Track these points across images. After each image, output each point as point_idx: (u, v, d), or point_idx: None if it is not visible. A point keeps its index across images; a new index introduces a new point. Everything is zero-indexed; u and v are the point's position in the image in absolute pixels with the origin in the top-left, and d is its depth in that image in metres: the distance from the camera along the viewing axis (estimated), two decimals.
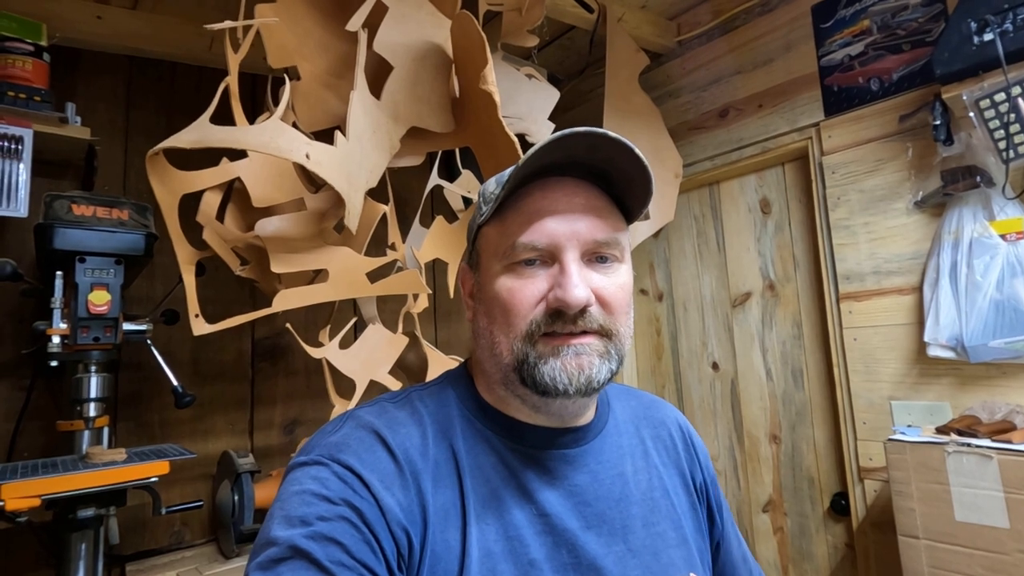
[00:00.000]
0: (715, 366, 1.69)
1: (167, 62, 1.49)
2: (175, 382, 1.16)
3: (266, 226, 1.03)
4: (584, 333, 0.49)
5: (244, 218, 1.13)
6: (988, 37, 1.02)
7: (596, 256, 0.50)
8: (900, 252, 1.26)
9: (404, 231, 1.32)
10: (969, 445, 0.95)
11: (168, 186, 0.96)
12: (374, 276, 1.09)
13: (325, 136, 0.96)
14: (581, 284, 0.48)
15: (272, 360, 1.59)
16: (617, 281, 0.51)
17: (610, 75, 1.56)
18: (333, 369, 1.14)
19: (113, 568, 1.28)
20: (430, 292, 1.22)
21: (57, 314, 1.02)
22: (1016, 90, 1.02)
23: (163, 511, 1.08)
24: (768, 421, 1.56)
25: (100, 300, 1.02)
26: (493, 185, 0.53)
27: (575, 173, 0.51)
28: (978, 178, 1.12)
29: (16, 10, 1.18)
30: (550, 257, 0.49)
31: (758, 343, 1.59)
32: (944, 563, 0.95)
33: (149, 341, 1.18)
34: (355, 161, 0.95)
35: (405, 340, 1.21)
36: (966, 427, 1.02)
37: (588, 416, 0.56)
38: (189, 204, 1.03)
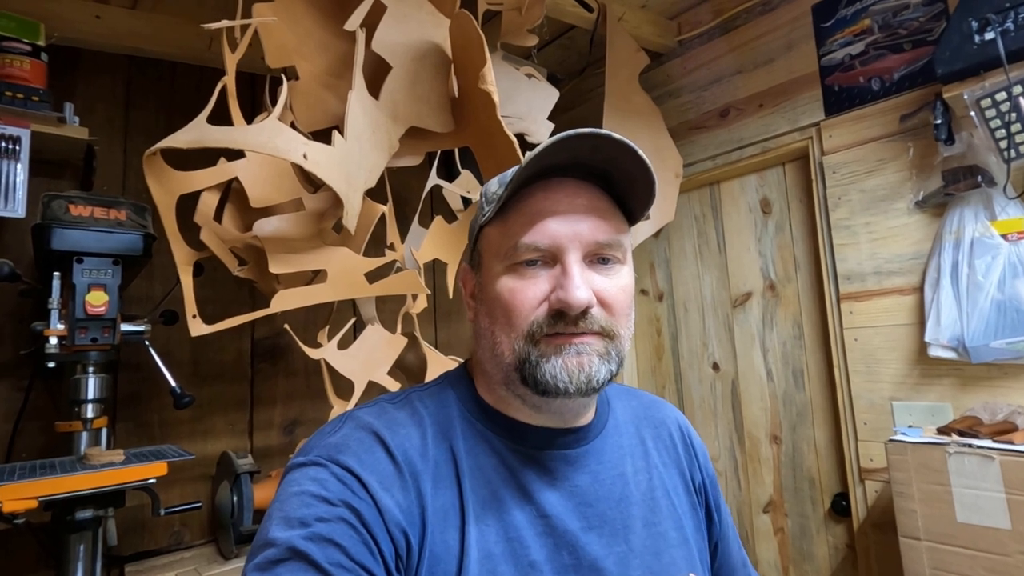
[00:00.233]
0: (715, 366, 1.69)
1: (166, 62, 1.49)
2: (173, 383, 1.16)
3: (264, 226, 1.03)
4: (585, 334, 0.49)
5: (242, 218, 1.13)
6: (989, 36, 1.02)
7: (598, 257, 0.50)
8: (901, 252, 1.26)
9: (403, 231, 1.32)
10: (970, 446, 0.95)
11: (165, 186, 0.96)
12: (373, 276, 1.09)
13: (324, 136, 0.95)
14: (583, 285, 0.48)
15: (272, 360, 1.58)
16: (619, 283, 0.51)
17: (610, 75, 1.55)
18: (332, 370, 1.13)
19: (112, 569, 1.28)
20: (429, 292, 1.21)
21: (55, 315, 1.02)
22: (1017, 89, 1.01)
23: (162, 512, 1.07)
24: (769, 422, 1.56)
25: (98, 301, 1.02)
26: (495, 185, 0.52)
27: (577, 174, 0.51)
28: (979, 178, 1.11)
29: (15, 9, 1.17)
30: (552, 258, 0.49)
31: (759, 343, 1.59)
32: (945, 564, 0.95)
33: (147, 342, 1.17)
34: (354, 161, 0.94)
35: (404, 341, 1.20)
36: (967, 428, 1.01)
37: (588, 416, 0.56)
38: (187, 204, 1.03)
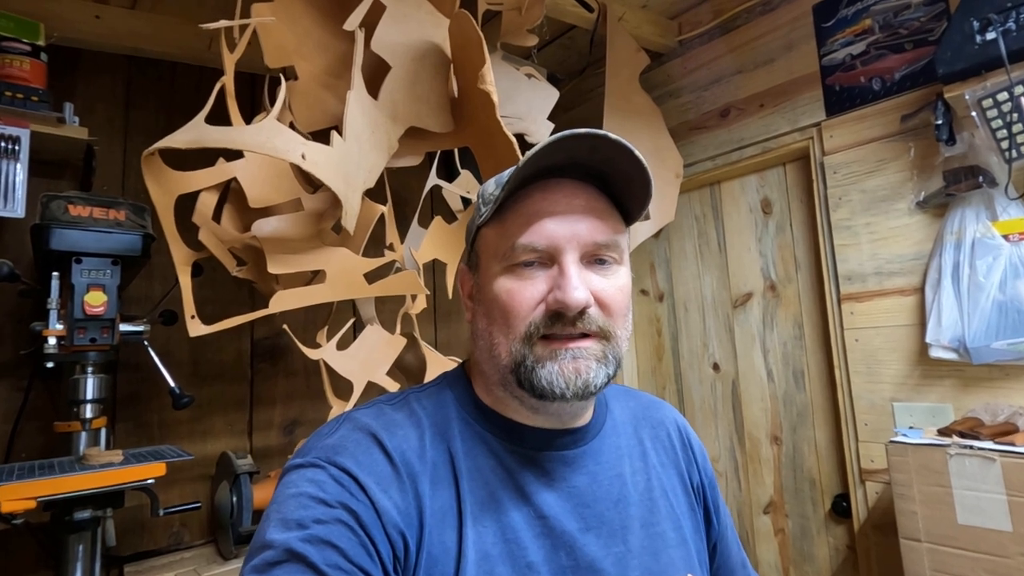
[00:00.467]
0: (716, 367, 1.69)
1: (166, 62, 1.49)
2: (172, 383, 1.16)
3: (263, 227, 1.02)
4: (583, 336, 0.49)
5: (241, 219, 1.13)
6: (991, 36, 1.02)
7: (595, 258, 0.50)
8: (902, 253, 1.26)
9: (403, 231, 1.32)
10: (971, 447, 0.94)
11: (164, 186, 0.96)
12: (372, 277, 1.09)
13: (323, 136, 0.95)
14: (581, 286, 0.48)
15: (271, 361, 1.58)
16: (616, 283, 0.51)
17: (610, 75, 1.55)
18: (331, 370, 1.13)
19: (112, 569, 1.28)
20: (428, 293, 1.21)
21: (53, 315, 1.02)
22: (1019, 89, 1.01)
23: (161, 512, 1.07)
24: (769, 422, 1.55)
25: (96, 301, 1.02)
26: (492, 186, 0.52)
27: (575, 174, 0.51)
28: (981, 178, 1.11)
29: (14, 9, 1.17)
30: (549, 259, 0.49)
31: (759, 344, 1.58)
32: (946, 566, 0.95)
33: (146, 342, 1.17)
34: (352, 161, 0.94)
35: (403, 341, 1.20)
36: (968, 429, 1.01)
37: (586, 417, 0.56)
38: (186, 205, 1.03)
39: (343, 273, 1.04)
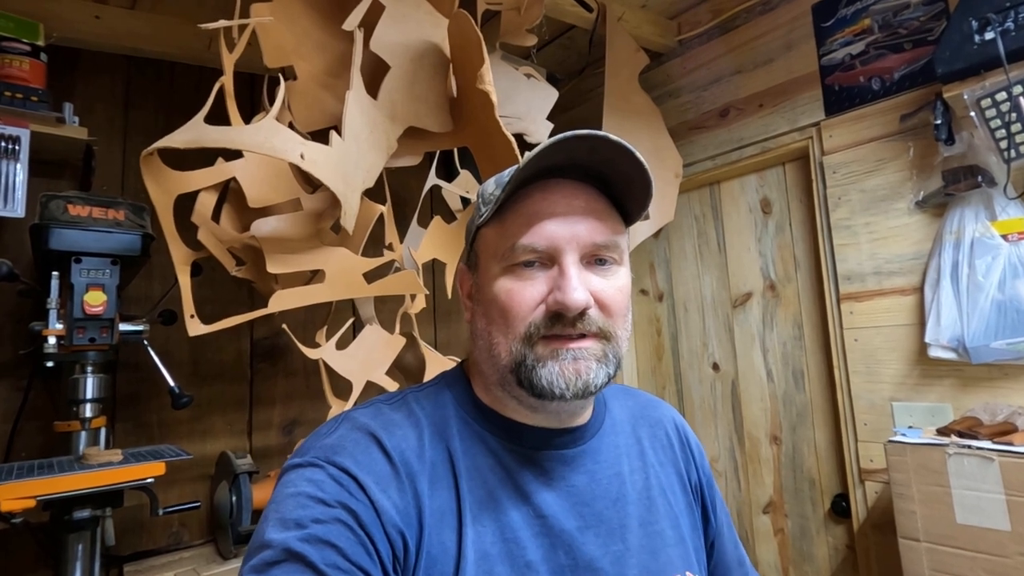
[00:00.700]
0: (715, 367, 1.69)
1: (166, 62, 1.49)
2: (172, 383, 1.16)
3: (262, 226, 1.02)
4: (582, 336, 0.49)
5: (240, 218, 1.13)
6: (989, 36, 1.02)
7: (595, 258, 0.50)
8: (901, 252, 1.26)
9: (402, 231, 1.32)
10: (970, 447, 0.94)
11: (163, 186, 0.96)
12: (371, 276, 1.09)
13: (323, 136, 0.95)
14: (580, 287, 0.48)
15: (271, 361, 1.58)
16: (616, 284, 0.51)
17: (610, 74, 1.55)
18: (330, 370, 1.13)
19: (111, 569, 1.28)
20: (427, 293, 1.21)
21: (53, 315, 1.02)
22: (1017, 89, 1.01)
23: (160, 512, 1.07)
24: (769, 422, 1.55)
25: (96, 301, 1.02)
26: (492, 186, 0.52)
27: (575, 175, 0.51)
28: (979, 178, 1.11)
29: (14, 9, 1.18)
30: (549, 259, 0.49)
31: (759, 344, 1.58)
32: (945, 566, 0.95)
33: (146, 342, 1.17)
34: (351, 161, 0.94)
35: (402, 341, 1.20)
36: (967, 429, 1.01)
37: (585, 416, 0.56)
38: (185, 204, 1.03)
39: (342, 273, 1.04)
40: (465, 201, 1.48)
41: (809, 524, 1.46)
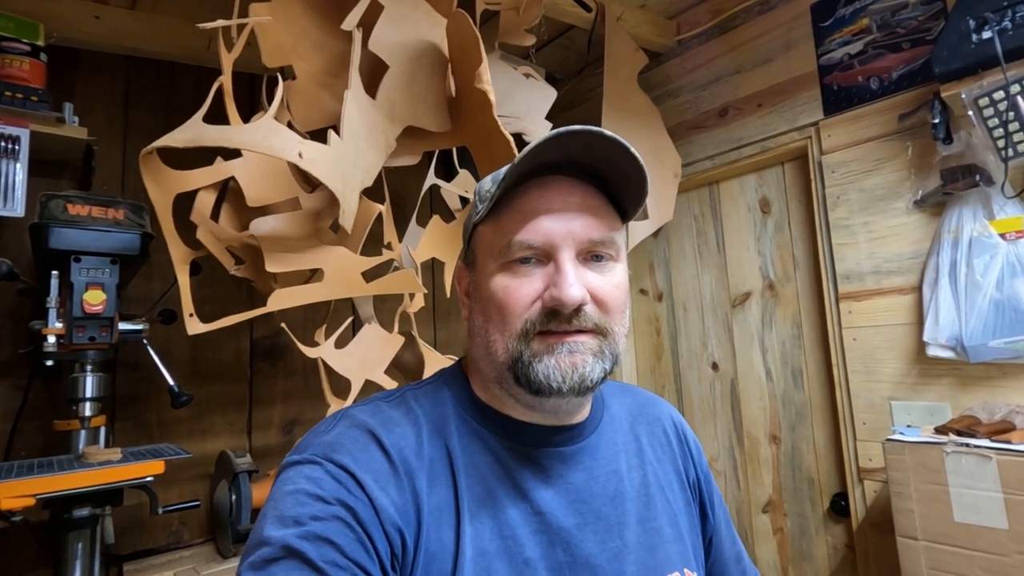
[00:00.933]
0: (715, 366, 1.69)
1: (165, 62, 1.49)
2: (171, 382, 1.16)
3: (261, 225, 1.03)
4: (579, 332, 0.49)
5: (239, 217, 1.13)
6: (987, 35, 1.02)
7: (592, 255, 0.50)
8: (900, 252, 1.26)
9: (401, 230, 1.32)
10: (968, 445, 0.94)
11: (162, 185, 0.96)
12: (370, 275, 1.09)
13: (321, 136, 0.96)
14: (576, 283, 0.48)
15: (271, 360, 1.59)
16: (612, 280, 0.51)
17: (609, 74, 1.55)
18: (329, 369, 1.14)
19: (111, 568, 1.28)
20: (426, 292, 1.22)
21: (52, 313, 1.02)
22: (1015, 88, 1.01)
23: (160, 511, 1.07)
24: (768, 421, 1.55)
25: (95, 300, 1.02)
26: (489, 183, 0.52)
27: (571, 172, 0.51)
28: (977, 177, 1.11)
29: (14, 10, 1.18)
30: (545, 256, 0.49)
31: (758, 343, 1.58)
32: (943, 564, 0.95)
33: (145, 341, 1.18)
34: (350, 160, 0.95)
35: (401, 340, 1.20)
36: (965, 427, 1.01)
37: (583, 414, 0.56)
38: (184, 203, 1.03)
39: (341, 272, 1.05)
40: (464, 200, 1.49)
41: (808, 523, 1.46)
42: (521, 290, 0.49)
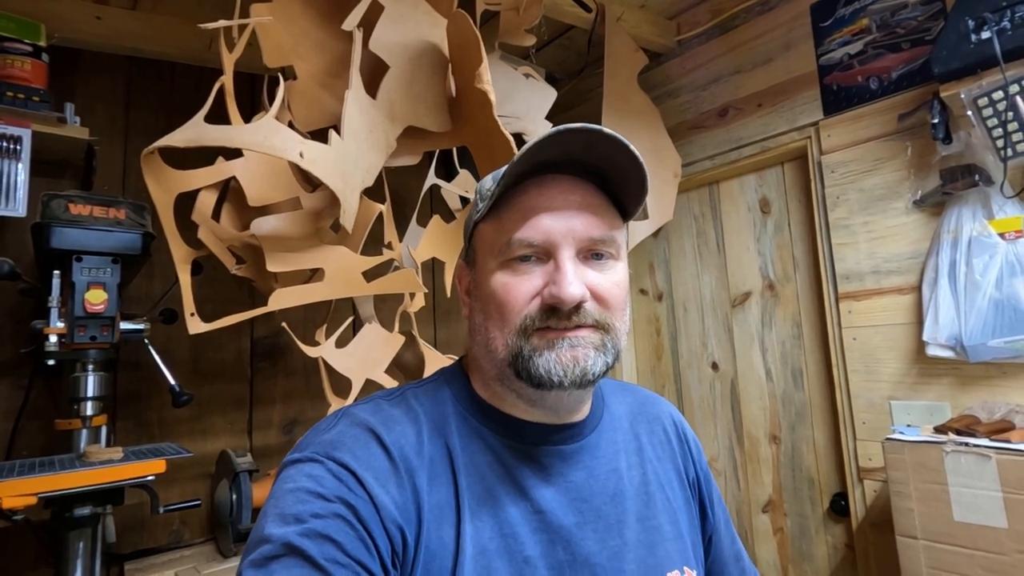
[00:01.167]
0: (715, 366, 1.69)
1: (166, 62, 1.50)
2: (172, 381, 1.16)
3: (262, 225, 1.03)
4: (579, 327, 0.49)
5: (240, 217, 1.13)
6: (986, 35, 1.02)
7: (592, 253, 0.50)
8: (899, 251, 1.26)
9: (402, 230, 1.32)
10: (967, 445, 0.95)
11: (164, 185, 0.97)
12: (371, 275, 1.09)
13: (322, 136, 0.96)
14: (576, 281, 0.48)
15: (271, 360, 1.59)
16: (613, 278, 0.51)
17: (609, 74, 1.56)
18: (330, 368, 1.14)
19: (112, 567, 1.28)
20: (427, 291, 1.22)
21: (54, 313, 1.02)
22: (1014, 88, 1.01)
23: (161, 510, 1.08)
24: (768, 421, 1.56)
25: (97, 299, 1.02)
26: (489, 182, 0.53)
27: (571, 170, 0.51)
28: (977, 177, 1.11)
29: (15, 10, 1.18)
30: (545, 254, 0.50)
31: (758, 343, 1.59)
32: (942, 563, 0.95)
33: (147, 340, 1.18)
34: (350, 160, 0.95)
35: (401, 339, 1.21)
36: (965, 427, 1.01)
37: (584, 412, 0.57)
38: (185, 203, 1.03)
39: (341, 271, 1.05)
40: (464, 200, 1.49)
41: (808, 523, 1.46)
42: (521, 287, 0.49)
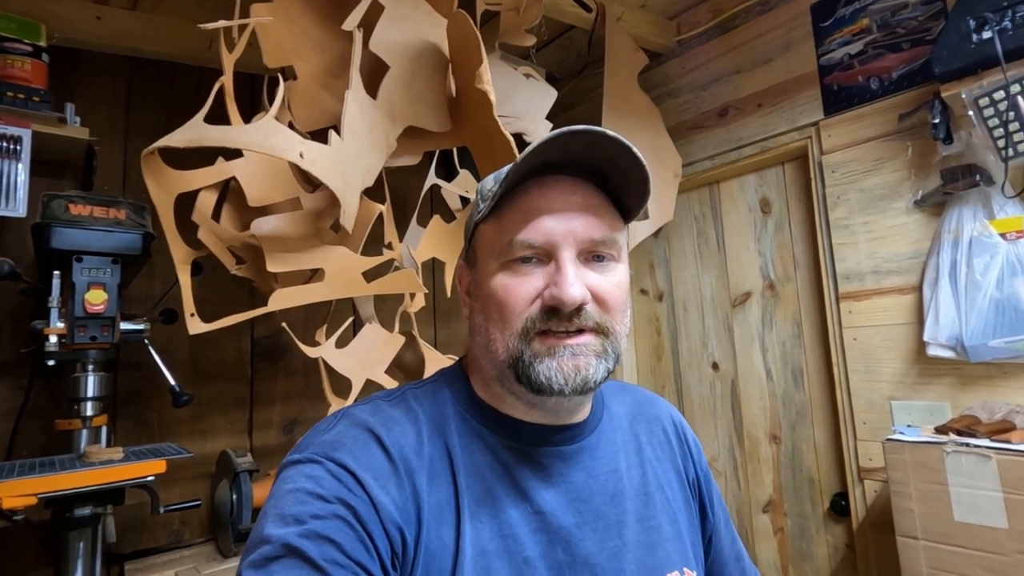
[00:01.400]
0: (715, 366, 1.69)
1: (166, 62, 1.50)
2: (172, 381, 1.16)
3: (262, 225, 1.03)
4: (580, 332, 0.49)
5: (240, 217, 1.13)
6: (987, 35, 1.02)
7: (593, 255, 0.50)
8: (900, 251, 1.26)
9: (402, 230, 1.32)
10: (968, 445, 0.94)
11: (164, 185, 0.97)
12: (371, 275, 1.09)
13: (322, 136, 0.96)
14: (577, 282, 0.48)
15: (271, 360, 1.59)
16: (613, 279, 0.51)
17: (609, 74, 1.56)
18: (330, 368, 1.14)
19: (112, 567, 1.28)
20: (427, 291, 1.22)
21: (54, 313, 1.02)
22: (1015, 88, 1.01)
23: (161, 510, 1.08)
24: (768, 421, 1.56)
25: (97, 299, 1.03)
26: (491, 182, 0.53)
27: (572, 171, 0.51)
28: (977, 177, 1.11)
29: (15, 10, 1.18)
30: (546, 255, 0.49)
31: (758, 343, 1.58)
32: (943, 564, 0.95)
33: (147, 340, 1.18)
34: (350, 160, 0.95)
35: (402, 339, 1.21)
36: (965, 427, 1.01)
37: (583, 413, 0.56)
38: (185, 203, 1.03)
39: (342, 271, 1.05)
40: (464, 200, 1.49)
41: (808, 523, 1.46)
42: (521, 288, 0.49)
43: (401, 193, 1.50)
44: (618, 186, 0.52)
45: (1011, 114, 1.02)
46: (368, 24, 1.01)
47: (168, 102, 1.50)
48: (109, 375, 1.16)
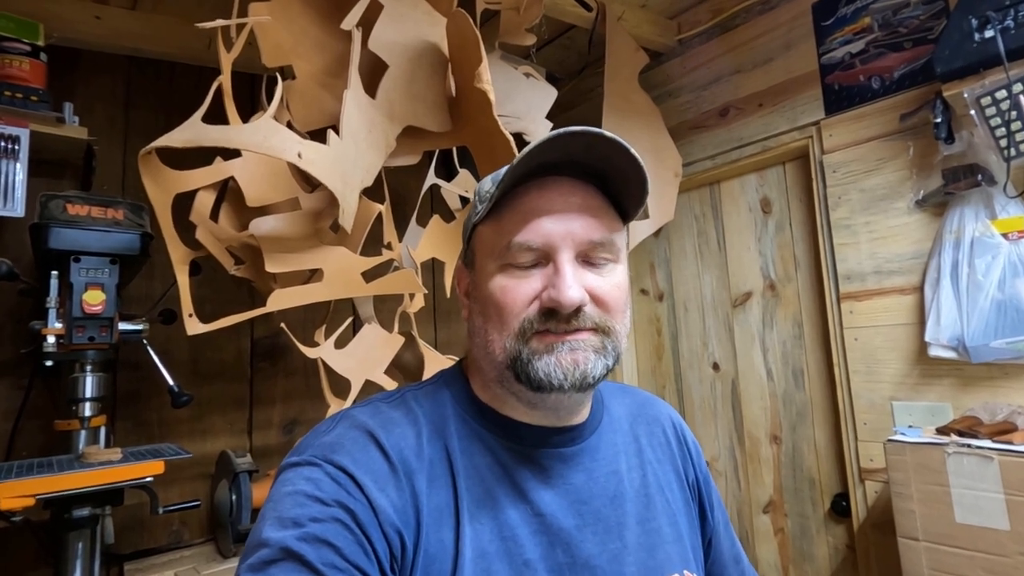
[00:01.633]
0: (716, 366, 1.69)
1: (166, 62, 1.49)
2: (171, 382, 1.16)
3: (261, 225, 1.03)
4: (578, 330, 0.49)
5: (238, 217, 1.13)
6: (989, 34, 1.02)
7: (592, 256, 0.50)
8: (901, 252, 1.26)
9: (401, 230, 1.32)
10: (969, 446, 0.94)
11: (162, 185, 0.96)
12: (370, 275, 1.09)
13: (321, 136, 0.96)
14: (575, 284, 0.48)
15: (271, 360, 1.59)
16: (612, 281, 0.51)
17: (610, 74, 1.55)
18: (329, 369, 1.14)
19: (111, 567, 1.28)
20: (426, 292, 1.22)
21: (52, 314, 1.02)
22: (1017, 87, 1.01)
23: (160, 510, 1.08)
24: (769, 421, 1.55)
25: (95, 300, 1.02)
26: (489, 183, 0.52)
27: (571, 172, 0.51)
28: (979, 176, 1.11)
29: (14, 10, 1.18)
30: (545, 257, 0.49)
31: (759, 343, 1.58)
32: (944, 565, 0.95)
33: (145, 341, 1.18)
34: (349, 160, 0.94)
35: (401, 340, 1.20)
36: (967, 428, 1.01)
37: (583, 414, 0.56)
38: (184, 203, 1.03)
39: (341, 272, 1.05)
40: (464, 200, 1.48)
41: (809, 524, 1.46)
42: (519, 290, 0.49)
43: (400, 193, 1.50)
44: (617, 187, 0.52)
45: (1013, 113, 1.02)
46: (367, 23, 1.00)
47: (167, 102, 1.50)
48: (108, 375, 1.16)
